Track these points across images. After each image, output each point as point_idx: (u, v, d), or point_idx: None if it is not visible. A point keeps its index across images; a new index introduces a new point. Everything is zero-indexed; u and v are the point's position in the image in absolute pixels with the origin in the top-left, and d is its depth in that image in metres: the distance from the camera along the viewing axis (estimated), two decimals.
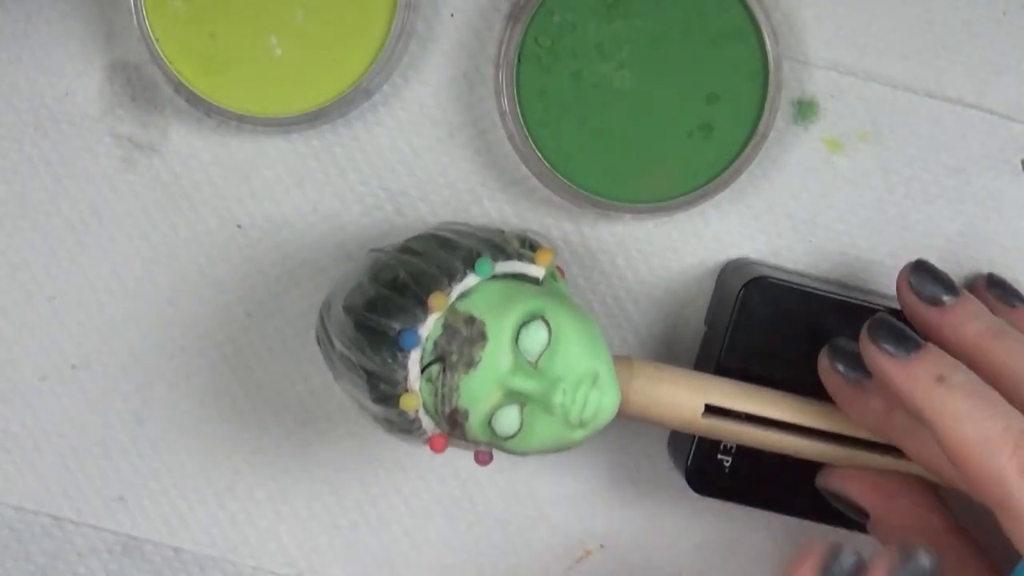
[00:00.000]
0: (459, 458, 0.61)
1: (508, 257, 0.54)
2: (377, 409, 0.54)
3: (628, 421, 0.56)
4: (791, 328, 0.58)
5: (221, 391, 0.61)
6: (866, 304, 0.58)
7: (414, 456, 0.61)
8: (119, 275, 0.61)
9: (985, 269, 0.61)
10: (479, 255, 0.53)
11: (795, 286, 0.58)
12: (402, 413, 0.53)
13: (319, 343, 0.56)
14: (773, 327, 0.57)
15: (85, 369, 0.61)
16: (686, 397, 0.55)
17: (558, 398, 0.51)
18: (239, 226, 0.61)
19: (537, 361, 0.52)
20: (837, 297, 0.58)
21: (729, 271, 0.60)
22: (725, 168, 0.58)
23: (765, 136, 0.58)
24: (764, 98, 0.58)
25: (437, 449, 0.54)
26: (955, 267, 0.60)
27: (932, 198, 0.60)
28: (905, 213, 0.60)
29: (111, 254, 0.61)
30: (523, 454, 0.53)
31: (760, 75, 0.58)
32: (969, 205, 0.60)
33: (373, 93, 0.59)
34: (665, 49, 0.58)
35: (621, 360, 0.55)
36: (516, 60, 0.58)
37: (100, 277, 0.61)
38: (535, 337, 0.52)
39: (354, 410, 0.61)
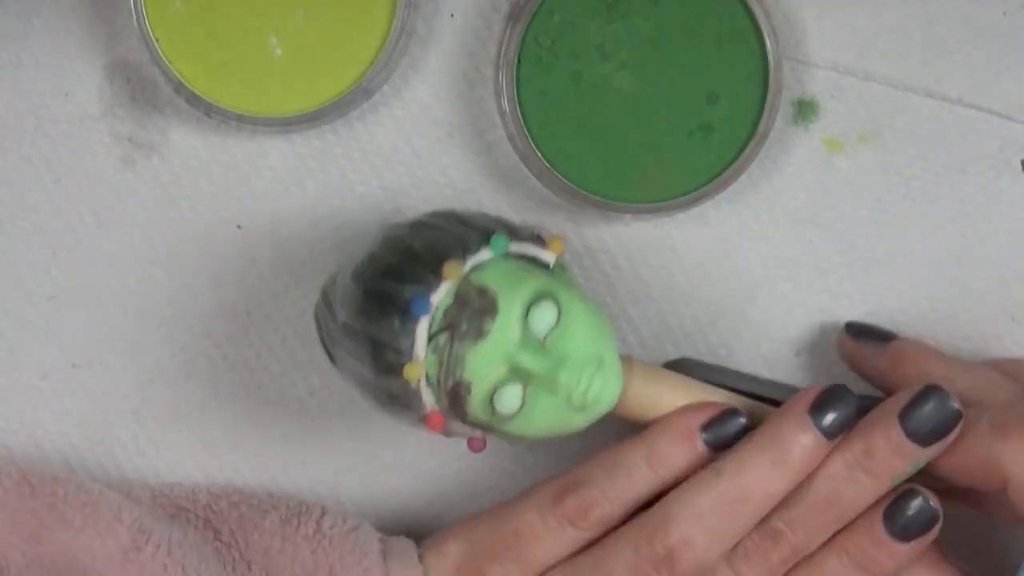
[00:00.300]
0: (460, 459, 0.61)
1: (522, 239, 0.54)
2: (378, 381, 0.54)
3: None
4: None
5: (221, 391, 0.61)
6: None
7: (415, 456, 0.61)
8: (119, 275, 0.61)
9: (985, 269, 0.60)
10: (494, 232, 0.53)
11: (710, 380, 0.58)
12: (404, 383, 0.53)
13: (317, 321, 0.56)
14: None
15: (86, 368, 0.61)
16: (680, 401, 0.55)
17: (563, 377, 0.52)
18: (239, 226, 0.61)
19: (544, 340, 0.52)
20: (765, 399, 0.57)
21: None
22: (725, 168, 0.58)
23: (765, 136, 0.58)
24: (764, 98, 0.58)
25: (433, 426, 0.53)
26: (956, 267, 0.60)
27: (932, 198, 0.60)
28: (905, 213, 0.60)
29: (111, 254, 0.61)
30: (521, 438, 0.53)
31: (760, 75, 0.58)
32: (969, 205, 0.60)
33: (373, 93, 0.59)
34: (665, 49, 0.58)
35: (622, 358, 0.55)
36: (516, 60, 0.58)
37: (100, 277, 0.61)
38: (544, 316, 0.52)
39: (352, 409, 0.61)
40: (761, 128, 0.58)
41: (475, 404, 0.53)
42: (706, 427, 0.54)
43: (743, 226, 0.61)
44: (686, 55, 0.58)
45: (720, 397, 0.55)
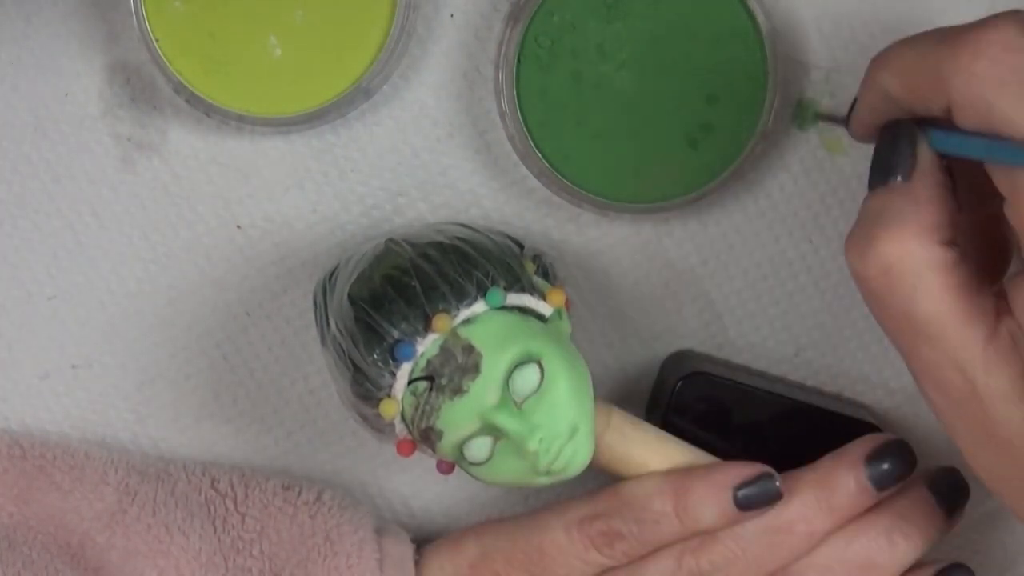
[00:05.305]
0: None
1: (521, 289, 0.54)
2: (355, 401, 0.54)
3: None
4: (724, 422, 0.58)
5: (221, 391, 0.61)
6: (801, 402, 0.59)
7: (415, 457, 0.61)
8: (119, 275, 0.61)
9: None
10: (494, 282, 0.53)
11: (730, 382, 0.58)
12: (378, 415, 0.53)
13: (314, 304, 0.57)
14: (707, 421, 0.58)
15: (86, 368, 0.61)
16: (651, 461, 0.55)
17: (533, 445, 0.52)
18: (239, 226, 0.61)
19: (523, 402, 0.52)
20: (771, 394, 0.59)
21: (671, 362, 0.60)
22: (725, 168, 0.58)
23: (765, 136, 0.58)
24: (764, 98, 0.58)
25: (404, 454, 0.55)
26: None
27: None
28: None
29: (111, 254, 0.61)
30: (485, 483, 0.54)
31: (760, 75, 0.58)
32: None
33: (373, 93, 0.59)
34: (665, 49, 0.58)
35: (601, 409, 0.55)
36: (516, 60, 0.58)
37: (100, 277, 0.61)
38: (527, 380, 0.53)
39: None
40: (761, 128, 0.58)
41: (444, 448, 0.53)
42: (740, 487, 0.54)
43: (743, 226, 0.61)
44: (686, 55, 0.58)
45: (693, 456, 0.56)
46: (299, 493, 0.58)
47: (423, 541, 0.59)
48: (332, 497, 0.58)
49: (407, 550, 0.57)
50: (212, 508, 0.58)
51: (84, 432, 0.61)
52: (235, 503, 0.58)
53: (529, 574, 0.55)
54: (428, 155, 0.60)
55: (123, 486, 0.58)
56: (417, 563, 0.57)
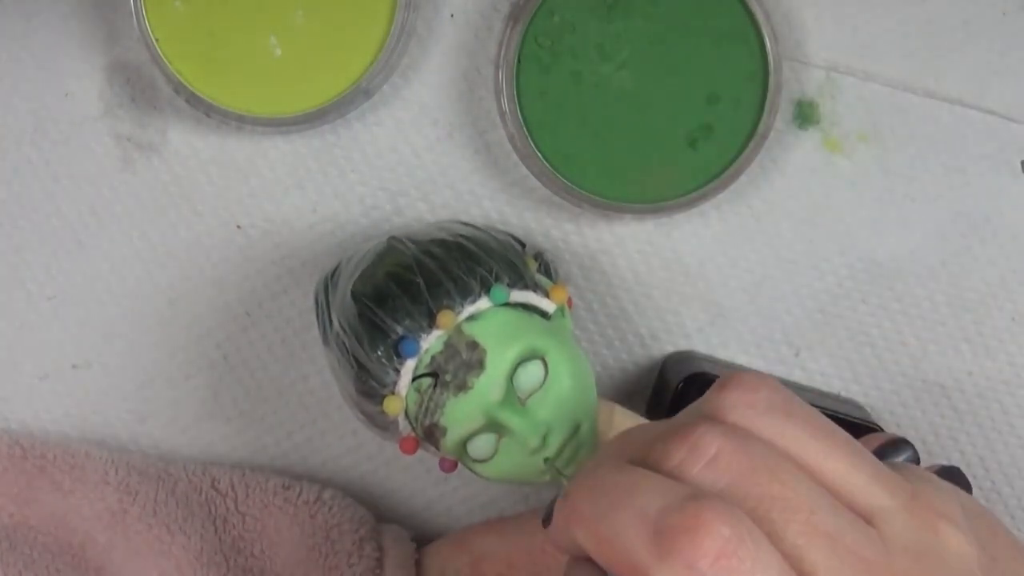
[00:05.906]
0: None
1: (525, 286, 0.54)
2: (359, 399, 0.54)
3: None
4: None
5: (221, 391, 0.61)
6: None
7: (416, 457, 0.61)
8: (119, 275, 0.61)
9: (985, 268, 0.60)
10: (497, 279, 0.53)
11: None
12: (382, 412, 0.53)
13: (316, 303, 0.57)
14: None
15: (85, 369, 0.61)
16: None
17: (536, 441, 0.52)
18: (239, 226, 0.61)
19: (527, 399, 0.52)
20: None
21: (672, 362, 0.60)
22: (725, 168, 0.58)
23: (765, 136, 0.58)
24: (764, 98, 0.58)
25: (408, 451, 0.55)
26: (955, 266, 0.60)
27: (932, 198, 0.60)
28: (905, 213, 0.60)
29: (111, 254, 0.61)
30: (488, 480, 0.54)
31: (760, 75, 0.58)
32: (969, 205, 0.60)
33: (373, 93, 0.59)
34: (665, 49, 0.58)
35: (604, 407, 0.55)
36: (516, 60, 0.58)
37: (100, 277, 0.61)
38: (531, 377, 0.53)
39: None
40: (761, 128, 0.58)
41: (448, 445, 0.53)
42: None
43: (743, 226, 0.61)
44: (686, 55, 0.58)
45: None
46: (299, 493, 0.58)
47: (423, 541, 0.59)
48: (332, 497, 0.58)
49: (407, 550, 0.57)
50: (213, 508, 0.58)
51: (84, 432, 0.61)
52: (235, 503, 0.58)
53: (530, 574, 0.55)
54: (428, 155, 0.60)
55: (124, 486, 0.58)
56: (417, 563, 0.57)
